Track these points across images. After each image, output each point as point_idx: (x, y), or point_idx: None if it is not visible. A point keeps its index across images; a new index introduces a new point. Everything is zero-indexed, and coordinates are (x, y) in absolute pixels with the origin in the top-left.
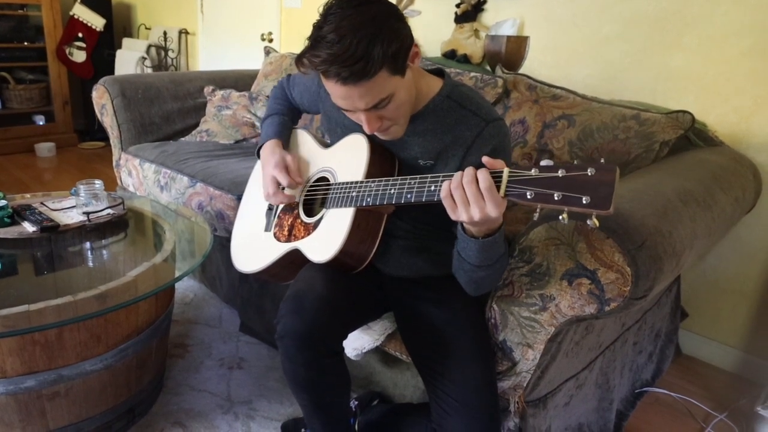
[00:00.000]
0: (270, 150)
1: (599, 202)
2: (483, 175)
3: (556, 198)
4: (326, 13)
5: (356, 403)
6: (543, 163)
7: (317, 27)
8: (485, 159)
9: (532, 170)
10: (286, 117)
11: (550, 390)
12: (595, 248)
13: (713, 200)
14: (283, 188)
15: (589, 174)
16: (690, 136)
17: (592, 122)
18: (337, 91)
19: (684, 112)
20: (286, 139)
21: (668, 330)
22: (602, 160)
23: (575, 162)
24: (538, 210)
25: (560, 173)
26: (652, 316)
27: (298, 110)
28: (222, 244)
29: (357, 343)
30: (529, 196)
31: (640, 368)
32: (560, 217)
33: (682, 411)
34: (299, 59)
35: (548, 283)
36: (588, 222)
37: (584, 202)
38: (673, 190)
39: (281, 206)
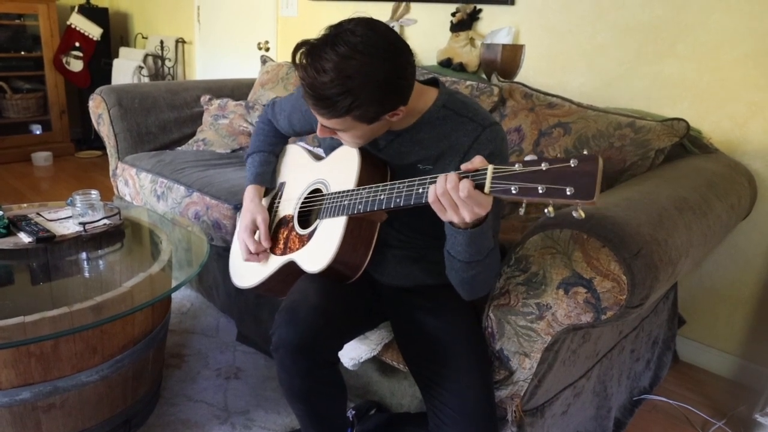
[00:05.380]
0: (246, 204)
1: (583, 193)
2: (465, 181)
3: (540, 191)
4: (346, 34)
5: (353, 412)
6: (527, 158)
7: (330, 37)
8: (463, 165)
9: (516, 165)
10: (267, 152)
11: (547, 399)
12: (590, 257)
13: (709, 207)
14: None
15: (572, 165)
16: (685, 144)
17: (588, 130)
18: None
19: (679, 119)
20: (267, 179)
21: (666, 337)
22: (585, 152)
23: (558, 155)
24: (523, 205)
25: (543, 166)
26: (650, 324)
27: (284, 138)
28: (218, 253)
29: (354, 352)
30: (513, 191)
31: (638, 376)
32: (546, 210)
33: (680, 418)
34: (293, 56)
35: (544, 292)
36: (574, 213)
37: (568, 193)
38: (669, 198)
39: (277, 220)
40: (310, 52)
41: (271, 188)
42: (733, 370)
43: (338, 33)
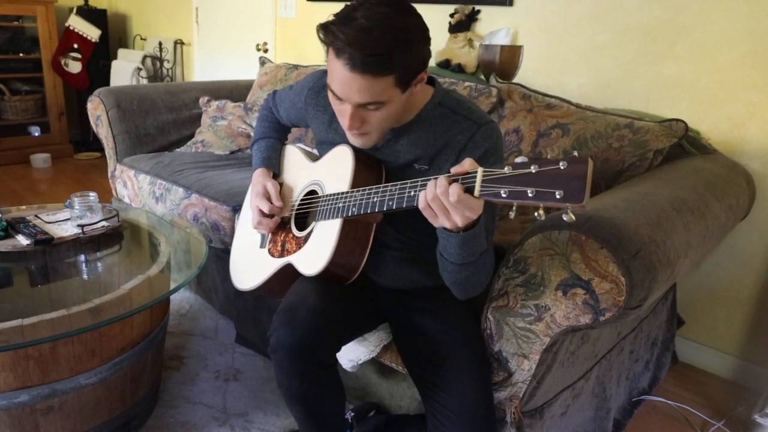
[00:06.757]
0: (255, 180)
1: (572, 196)
2: (454, 185)
3: (529, 194)
4: (369, 2)
5: (352, 414)
6: (517, 160)
7: (351, 8)
8: (453, 168)
9: (506, 168)
10: (273, 138)
11: (546, 400)
12: (589, 258)
13: (707, 208)
14: (272, 216)
15: (562, 168)
16: (684, 144)
17: (586, 131)
18: (340, 75)
19: (677, 120)
20: (275, 163)
21: (665, 338)
22: (575, 153)
23: (548, 156)
24: (513, 208)
25: (533, 169)
26: (649, 325)
27: (286, 127)
28: (217, 255)
29: (353, 354)
30: (503, 195)
31: (637, 377)
32: (536, 214)
33: (679, 419)
34: (325, 27)
35: (543, 294)
36: (564, 217)
37: (557, 196)
38: (667, 199)
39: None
40: (344, 21)
41: (278, 174)
42: (732, 371)
43: (362, 2)
